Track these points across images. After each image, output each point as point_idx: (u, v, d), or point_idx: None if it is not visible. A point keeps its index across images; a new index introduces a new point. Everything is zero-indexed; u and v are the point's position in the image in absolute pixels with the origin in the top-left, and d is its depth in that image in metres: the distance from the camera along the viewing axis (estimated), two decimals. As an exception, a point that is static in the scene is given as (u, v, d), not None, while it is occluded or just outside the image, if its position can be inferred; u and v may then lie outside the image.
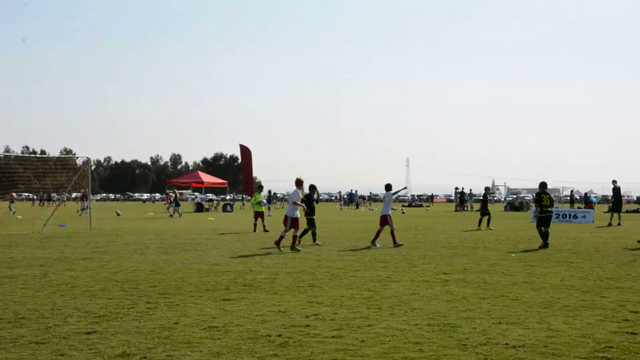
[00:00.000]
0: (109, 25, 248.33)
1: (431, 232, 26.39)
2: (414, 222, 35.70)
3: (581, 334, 7.73)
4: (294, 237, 18.45)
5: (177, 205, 45.91)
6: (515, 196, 79.52)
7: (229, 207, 58.50)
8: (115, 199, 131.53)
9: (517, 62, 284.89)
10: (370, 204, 78.39)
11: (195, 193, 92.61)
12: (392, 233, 19.85)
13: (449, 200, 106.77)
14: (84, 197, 49.42)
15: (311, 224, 20.81)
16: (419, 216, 47.53)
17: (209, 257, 16.67)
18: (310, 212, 20.75)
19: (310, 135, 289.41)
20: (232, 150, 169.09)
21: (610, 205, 35.18)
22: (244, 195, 70.54)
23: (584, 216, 36.37)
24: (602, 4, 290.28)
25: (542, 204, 19.94)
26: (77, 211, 46.51)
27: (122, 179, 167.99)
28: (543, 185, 20.66)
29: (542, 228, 19.54)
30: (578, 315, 8.87)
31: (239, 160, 75.83)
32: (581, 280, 12.34)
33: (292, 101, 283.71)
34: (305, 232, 20.59)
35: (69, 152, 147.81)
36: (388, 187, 21.27)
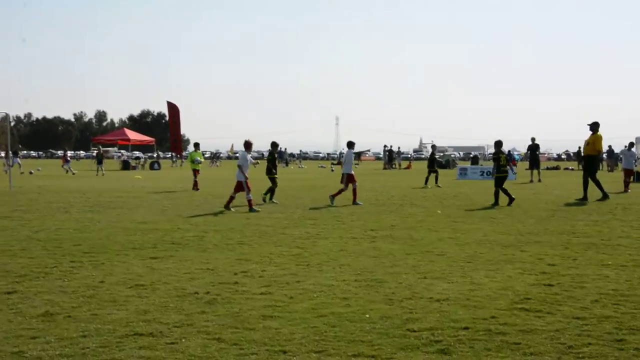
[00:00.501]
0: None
1: (360, 190, 26.62)
2: (342, 180, 35.97)
3: (502, 287, 8.00)
4: (249, 200, 17.91)
5: (100, 163, 44.99)
6: (442, 154, 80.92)
7: (156, 165, 57.60)
8: (38, 157, 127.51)
9: (451, 19, 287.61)
10: (300, 162, 78.55)
11: (122, 151, 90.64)
12: (354, 190, 20.06)
13: (378, 158, 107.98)
14: (11, 154, 47.91)
15: (274, 182, 20.71)
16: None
17: (136, 215, 16.42)
18: (273, 170, 20.82)
19: (241, 93, 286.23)
20: (159, 107, 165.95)
21: (529, 162, 36.31)
22: (173, 153, 69.55)
23: (506, 173, 37.35)
24: None
25: (500, 163, 19.73)
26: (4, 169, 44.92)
27: (43, 136, 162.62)
28: (499, 144, 20.18)
29: (499, 187, 19.38)
30: (499, 269, 9.18)
31: (167, 118, 74.43)
32: (503, 235, 12.74)
33: (222, 59, 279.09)
34: (270, 190, 20.53)
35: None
36: (350, 144, 21.00)
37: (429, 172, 29.66)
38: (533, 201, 20.64)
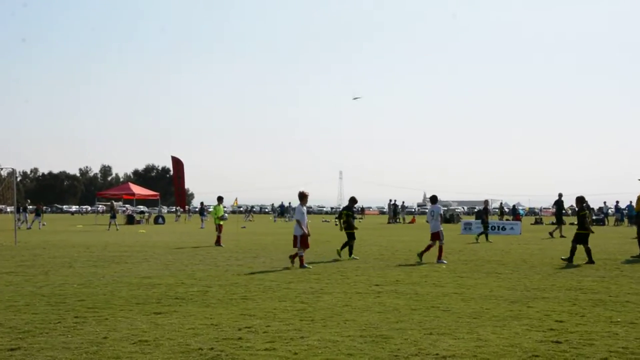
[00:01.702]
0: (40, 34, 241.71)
1: (364, 244, 26.59)
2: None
3: (509, 344, 7.92)
4: (300, 256, 17.13)
5: (113, 217, 44.71)
6: (446, 208, 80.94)
7: (160, 219, 57.63)
8: (43, 212, 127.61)
9: (452, 73, 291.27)
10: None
11: (126, 205, 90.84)
12: (440, 248, 18.97)
13: (381, 212, 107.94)
14: (36, 210, 48.41)
15: (353, 237, 20.22)
16: (352, 228, 47.80)
17: (139, 270, 16.38)
18: (353, 225, 20.37)
19: (244, 148, 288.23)
20: (163, 162, 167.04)
21: (556, 217, 35.58)
22: (178, 207, 69.66)
23: (512, 228, 37.33)
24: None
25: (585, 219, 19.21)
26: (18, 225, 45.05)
27: (49, 190, 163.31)
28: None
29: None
30: (506, 325, 9.09)
31: (171, 172, 74.81)
32: (509, 290, 12.64)
33: (223, 113, 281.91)
34: (347, 245, 19.99)
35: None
36: (434, 199, 19.95)
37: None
38: (539, 257, 20.54)
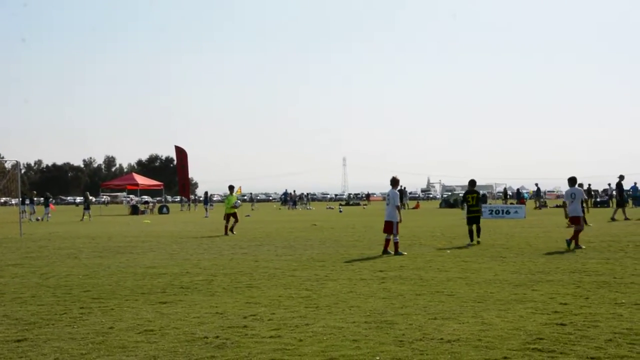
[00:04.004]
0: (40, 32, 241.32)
1: (369, 231, 26.62)
2: (351, 221, 35.98)
3: (513, 327, 7.93)
4: (395, 242, 16.91)
5: (87, 208, 45.51)
6: (450, 193, 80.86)
7: (165, 209, 57.74)
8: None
9: (455, 58, 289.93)
10: (308, 203, 78.49)
11: (131, 195, 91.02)
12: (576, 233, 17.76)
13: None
14: (28, 201, 48.38)
15: (476, 220, 19.58)
16: (356, 214, 47.91)
17: (145, 260, 16.42)
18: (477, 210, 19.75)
19: (248, 135, 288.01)
20: (167, 151, 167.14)
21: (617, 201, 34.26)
22: (183, 197, 69.75)
23: (516, 212, 37.29)
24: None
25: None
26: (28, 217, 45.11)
27: (53, 182, 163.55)
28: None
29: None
30: (510, 309, 9.10)
31: (175, 162, 74.86)
32: (513, 274, 12.65)
33: (227, 102, 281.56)
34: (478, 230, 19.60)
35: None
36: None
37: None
38: (543, 239, 20.53)
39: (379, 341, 7.33)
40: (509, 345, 7.02)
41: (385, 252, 16.87)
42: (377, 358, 6.63)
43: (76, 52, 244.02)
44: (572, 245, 17.29)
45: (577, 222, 17.89)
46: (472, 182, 20.63)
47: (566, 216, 18.57)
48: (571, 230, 18.01)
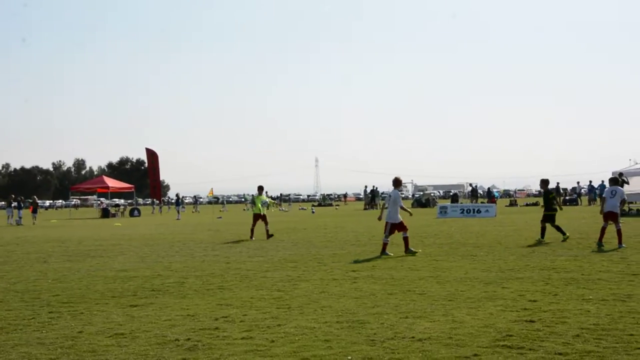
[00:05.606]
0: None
1: (341, 231, 26.67)
2: (324, 221, 36.00)
3: (483, 324, 8.00)
4: (405, 238, 16.81)
5: (34, 212, 45.58)
6: (422, 193, 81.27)
7: (136, 212, 57.25)
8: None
9: (426, 61, 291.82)
10: (280, 204, 78.31)
11: (101, 199, 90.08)
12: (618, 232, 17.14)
13: (358, 199, 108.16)
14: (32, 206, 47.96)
15: (551, 219, 19.27)
16: (329, 215, 47.97)
17: (115, 263, 16.27)
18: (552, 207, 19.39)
19: (219, 137, 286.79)
20: (138, 154, 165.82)
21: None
22: (155, 200, 69.21)
23: (487, 210, 37.62)
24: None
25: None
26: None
27: (22, 186, 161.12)
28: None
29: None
30: (481, 307, 9.18)
31: (146, 164, 74.26)
32: (484, 272, 12.77)
33: (198, 104, 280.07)
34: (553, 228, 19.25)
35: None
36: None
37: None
38: (514, 238, 20.74)
39: (351, 341, 7.35)
40: (479, 343, 7.09)
41: (383, 252, 16.52)
42: (349, 357, 6.65)
43: (43, 54, 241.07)
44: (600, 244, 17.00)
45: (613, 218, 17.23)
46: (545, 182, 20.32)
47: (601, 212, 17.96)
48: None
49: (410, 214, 17.92)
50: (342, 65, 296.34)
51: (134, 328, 8.34)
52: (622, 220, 17.66)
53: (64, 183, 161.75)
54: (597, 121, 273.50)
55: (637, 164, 39.29)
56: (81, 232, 31.48)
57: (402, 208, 17.17)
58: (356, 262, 15.16)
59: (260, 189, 24.53)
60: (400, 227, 16.96)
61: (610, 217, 17.29)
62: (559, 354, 6.57)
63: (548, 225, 19.37)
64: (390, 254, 16.49)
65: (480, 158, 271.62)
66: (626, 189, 29.40)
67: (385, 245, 16.79)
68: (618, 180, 18.80)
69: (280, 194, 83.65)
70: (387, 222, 17.06)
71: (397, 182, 17.56)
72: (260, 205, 23.74)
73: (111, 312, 9.54)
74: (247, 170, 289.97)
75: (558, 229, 19.16)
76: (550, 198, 19.63)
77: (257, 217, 23.62)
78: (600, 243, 16.98)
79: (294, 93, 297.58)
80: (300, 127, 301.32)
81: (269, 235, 23.13)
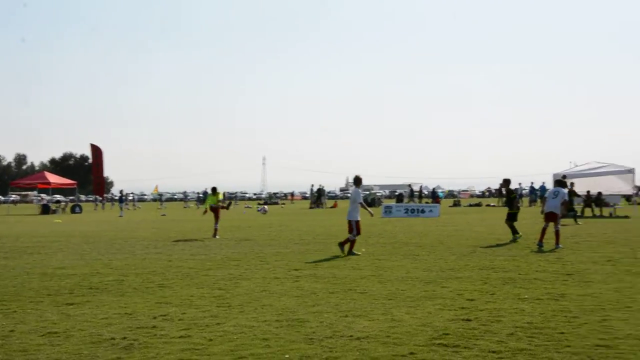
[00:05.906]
0: None
1: (285, 229, 26.64)
2: (269, 220, 35.92)
3: (421, 323, 8.09)
4: (352, 241, 16.52)
5: None
6: (368, 192, 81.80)
7: (77, 209, 56.08)
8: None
9: (377, 60, 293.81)
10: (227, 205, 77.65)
11: (42, 195, 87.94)
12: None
13: (304, 198, 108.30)
14: None
15: (513, 218, 19.92)
16: (274, 214, 47.84)
17: (53, 260, 15.91)
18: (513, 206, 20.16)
19: (163, 134, 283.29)
20: (82, 150, 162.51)
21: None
22: (97, 197, 67.92)
23: (430, 210, 38.10)
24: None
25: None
26: None
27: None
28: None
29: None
30: (419, 306, 9.28)
31: (90, 160, 72.83)
32: (425, 272, 12.91)
33: (144, 100, 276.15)
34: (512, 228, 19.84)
35: None
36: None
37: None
38: (455, 238, 21.04)
39: (289, 339, 7.34)
40: (415, 341, 7.17)
41: (350, 252, 16.38)
42: (287, 356, 6.64)
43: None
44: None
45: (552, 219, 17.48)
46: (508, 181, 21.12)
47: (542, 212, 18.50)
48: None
49: (372, 215, 17.93)
50: (295, 64, 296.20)
51: (68, 327, 8.16)
52: (563, 222, 18.06)
53: (3, 178, 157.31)
54: (534, 122, 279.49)
55: (577, 166, 40.31)
56: (19, 229, 30.70)
57: (362, 206, 17.02)
58: (299, 260, 15.15)
59: (214, 190, 24.84)
60: (357, 227, 16.73)
61: (550, 217, 17.51)
62: (492, 352, 6.69)
63: (506, 222, 20.11)
64: (358, 253, 16.39)
65: (425, 159, 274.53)
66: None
67: (352, 242, 16.56)
68: (563, 182, 19.19)
69: (224, 193, 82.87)
70: (349, 220, 16.89)
71: (357, 181, 17.38)
72: (209, 206, 24.13)
73: (45, 310, 9.33)
74: (195, 167, 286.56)
75: (512, 227, 19.74)
76: (512, 198, 20.32)
77: (216, 213, 23.49)
78: (540, 243, 17.31)
79: (240, 91, 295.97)
80: (248, 126, 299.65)
81: (215, 234, 22.90)
